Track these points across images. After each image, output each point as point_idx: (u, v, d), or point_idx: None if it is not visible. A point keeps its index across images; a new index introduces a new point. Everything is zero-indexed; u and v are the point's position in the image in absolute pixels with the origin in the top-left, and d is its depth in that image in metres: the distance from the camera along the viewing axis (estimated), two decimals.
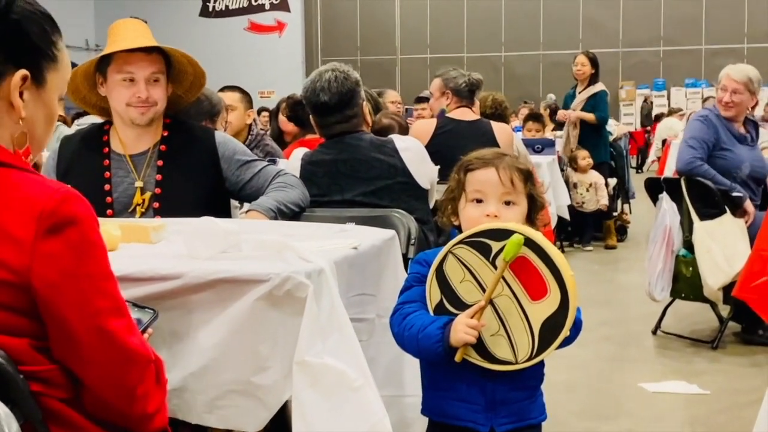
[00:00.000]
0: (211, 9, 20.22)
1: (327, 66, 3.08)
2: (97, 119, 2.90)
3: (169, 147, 2.71)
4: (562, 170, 7.31)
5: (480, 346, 1.81)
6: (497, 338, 1.81)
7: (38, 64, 1.40)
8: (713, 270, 4.28)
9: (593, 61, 7.68)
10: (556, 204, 6.47)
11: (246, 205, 2.79)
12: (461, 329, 1.78)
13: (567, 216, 6.97)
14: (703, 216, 4.39)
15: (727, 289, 4.20)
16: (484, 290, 1.81)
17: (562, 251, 7.49)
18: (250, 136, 4.40)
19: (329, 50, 19.43)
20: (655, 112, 18.01)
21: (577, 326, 1.83)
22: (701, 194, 4.42)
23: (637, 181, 8.47)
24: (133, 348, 1.37)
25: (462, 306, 1.83)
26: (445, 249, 1.84)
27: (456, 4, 19.33)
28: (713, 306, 4.54)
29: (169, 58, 2.71)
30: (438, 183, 3.23)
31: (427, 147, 3.38)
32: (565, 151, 7.72)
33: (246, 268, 1.74)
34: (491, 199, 1.90)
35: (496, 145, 4.34)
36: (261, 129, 4.72)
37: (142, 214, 2.65)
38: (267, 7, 20.10)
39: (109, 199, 2.67)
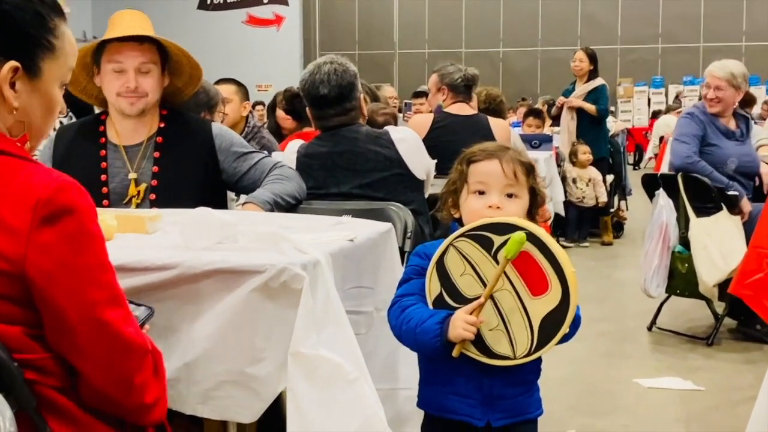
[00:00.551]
0: (209, 2, 20.18)
1: (324, 58, 3.07)
2: None
3: (166, 138, 2.70)
4: (559, 166, 7.31)
5: (478, 341, 1.81)
6: (496, 333, 1.80)
7: (31, 54, 1.37)
8: (709, 266, 4.29)
9: (591, 57, 7.68)
10: (553, 200, 6.47)
11: (242, 197, 2.78)
12: (460, 325, 1.78)
13: (562, 212, 6.97)
14: (700, 212, 4.40)
15: (722, 285, 4.21)
16: (484, 284, 1.80)
17: None
18: (246, 128, 4.39)
19: (327, 44, 19.39)
20: (652, 109, 18.02)
21: (576, 323, 1.82)
22: (698, 191, 4.43)
23: (634, 178, 8.49)
24: (129, 338, 1.37)
25: (461, 299, 1.82)
26: (446, 241, 1.84)
27: (454, 0, 19.32)
28: (709, 302, 4.55)
29: (165, 49, 2.69)
30: (435, 177, 3.23)
31: (424, 141, 3.37)
32: (563, 142, 7.68)
33: (242, 259, 1.74)
34: (494, 190, 1.89)
35: (493, 139, 4.34)
36: (258, 122, 4.71)
37: (138, 206, 2.64)
38: (265, 0, 20.06)
39: (105, 189, 2.66)
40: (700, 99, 6.22)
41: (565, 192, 7.33)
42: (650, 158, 14.88)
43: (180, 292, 1.74)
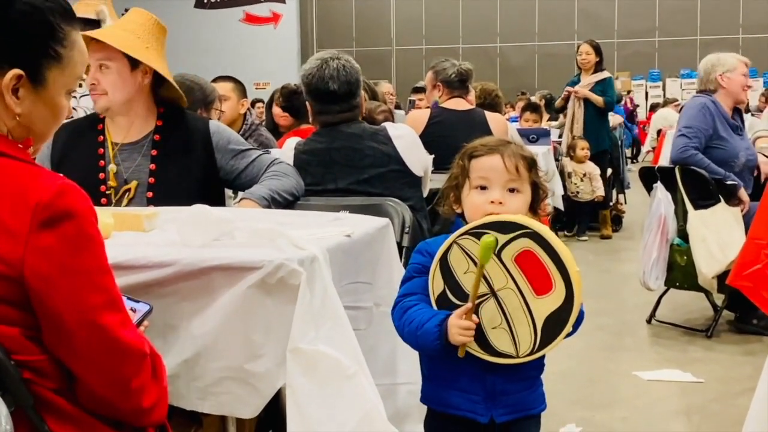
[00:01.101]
0: (206, 0, 20.17)
1: (327, 53, 3.05)
2: None
3: (163, 136, 2.70)
4: (557, 160, 7.31)
5: (482, 339, 1.80)
6: (499, 331, 1.80)
7: (36, 63, 1.37)
8: (708, 259, 4.29)
9: (597, 50, 7.70)
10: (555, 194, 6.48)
11: (240, 194, 2.78)
12: (455, 332, 1.78)
13: (561, 206, 6.98)
14: (698, 205, 4.40)
15: (721, 277, 4.21)
16: (488, 282, 1.80)
17: None
18: (244, 126, 4.39)
19: (324, 41, 19.39)
20: (649, 102, 18.02)
21: (579, 319, 1.82)
22: (695, 183, 4.43)
23: (631, 172, 8.50)
24: (127, 342, 1.36)
25: (465, 297, 1.82)
26: (450, 239, 1.83)
27: None
28: (708, 295, 4.55)
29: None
30: (433, 172, 3.23)
31: (421, 137, 3.37)
32: (569, 134, 7.67)
33: (239, 255, 1.73)
34: (496, 185, 1.88)
35: (491, 134, 4.34)
36: (255, 119, 4.71)
37: (131, 201, 2.63)
38: None
39: (103, 187, 2.66)
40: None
41: (563, 186, 7.34)
42: (648, 151, 14.87)
43: (178, 290, 1.74)
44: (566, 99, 7.78)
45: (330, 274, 1.78)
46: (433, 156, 3.28)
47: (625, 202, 8.74)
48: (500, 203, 1.87)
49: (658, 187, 4.53)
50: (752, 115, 7.07)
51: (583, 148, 7.51)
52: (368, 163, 2.95)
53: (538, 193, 1.94)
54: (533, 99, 10.56)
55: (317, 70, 2.99)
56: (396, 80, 19.45)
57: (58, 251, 1.28)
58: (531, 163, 1.93)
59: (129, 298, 1.57)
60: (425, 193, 3.15)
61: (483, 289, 1.80)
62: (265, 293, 1.71)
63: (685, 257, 4.42)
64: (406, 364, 2.17)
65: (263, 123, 5.09)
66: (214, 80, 4.36)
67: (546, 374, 2.02)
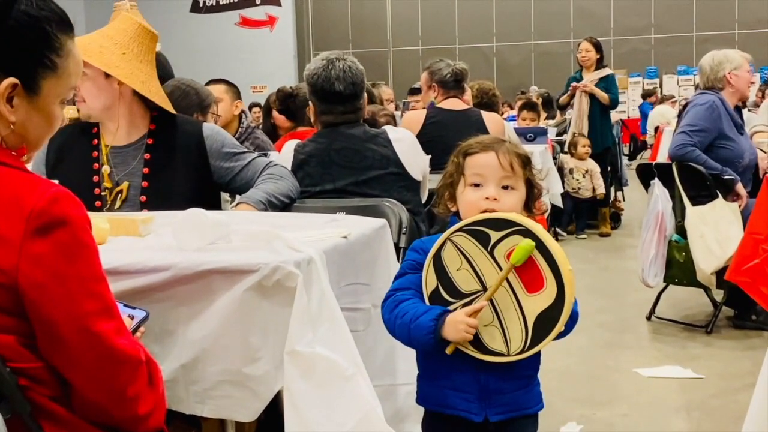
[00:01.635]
0: (201, 4, 20.16)
1: (331, 54, 3.05)
2: None
3: (156, 140, 2.70)
4: (554, 158, 7.31)
5: (473, 337, 1.80)
6: (491, 329, 1.80)
7: (32, 72, 1.37)
8: (706, 255, 4.29)
9: (597, 47, 7.71)
10: (550, 192, 6.49)
11: (236, 199, 2.78)
12: (463, 328, 1.77)
13: (560, 204, 6.98)
14: (695, 201, 4.40)
15: (720, 273, 4.21)
16: (480, 279, 1.80)
17: (557, 239, 7.52)
18: (240, 129, 4.39)
19: (321, 44, 19.37)
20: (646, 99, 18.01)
21: (573, 318, 1.82)
22: (693, 179, 4.43)
23: (629, 169, 8.50)
24: (121, 349, 1.35)
25: (457, 294, 1.82)
26: (444, 236, 1.84)
27: None
28: (707, 291, 4.55)
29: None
30: (429, 173, 3.23)
31: (417, 137, 3.37)
32: (576, 127, 7.66)
33: (235, 258, 1.73)
34: (490, 182, 1.89)
35: (487, 134, 4.33)
36: (252, 123, 4.71)
37: (123, 203, 2.63)
38: (258, 1, 20.04)
39: (97, 190, 2.66)
40: (697, 88, 6.19)
41: (562, 183, 7.34)
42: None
43: (174, 294, 1.74)
44: (572, 96, 7.76)
45: (327, 276, 1.78)
46: (429, 156, 3.28)
47: (624, 200, 8.74)
48: (495, 200, 1.87)
49: (656, 183, 4.53)
50: (749, 110, 7.06)
51: (584, 146, 7.51)
52: (367, 165, 2.95)
53: (532, 190, 1.94)
54: (532, 97, 10.56)
55: (323, 71, 2.99)
56: (393, 81, 19.44)
57: (52, 259, 1.28)
58: (525, 161, 1.94)
59: (125, 305, 1.57)
60: (424, 198, 3.15)
61: (476, 286, 1.80)
62: (261, 296, 1.70)
63: (684, 253, 4.42)
64: (405, 364, 2.17)
65: (259, 126, 5.08)
66: (208, 83, 4.36)
67: (546, 372, 2.02)
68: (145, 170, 2.66)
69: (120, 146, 2.70)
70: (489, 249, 1.79)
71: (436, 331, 1.79)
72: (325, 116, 3.04)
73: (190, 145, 2.70)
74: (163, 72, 5.05)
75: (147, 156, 2.67)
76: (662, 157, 7.71)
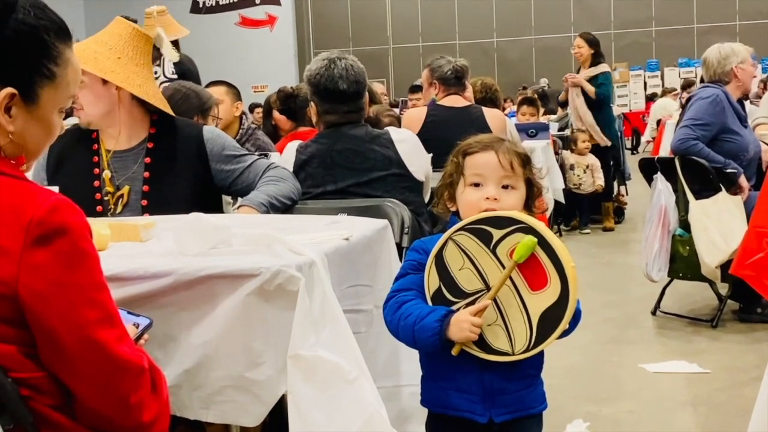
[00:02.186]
0: (201, 5, 20.18)
1: (331, 53, 3.04)
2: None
3: (156, 144, 2.69)
4: (557, 153, 7.30)
5: (478, 337, 1.80)
6: (495, 329, 1.79)
7: (30, 82, 1.36)
8: (710, 248, 4.28)
9: (591, 42, 7.65)
10: (552, 188, 6.47)
11: (238, 201, 2.77)
12: (467, 327, 1.76)
13: (562, 199, 6.98)
14: (699, 195, 4.39)
15: (724, 266, 4.19)
16: (483, 278, 1.79)
17: (560, 235, 7.52)
18: (241, 130, 4.38)
19: (321, 42, 19.38)
20: (648, 92, 18.00)
21: (576, 317, 1.81)
22: (696, 173, 4.41)
23: (632, 162, 8.47)
24: (124, 357, 1.34)
25: (461, 294, 1.81)
26: (445, 235, 1.83)
27: None
28: (712, 284, 4.54)
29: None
30: (431, 171, 3.22)
31: (418, 135, 3.37)
32: (577, 123, 7.64)
33: (236, 263, 1.72)
34: (490, 182, 1.88)
35: (488, 130, 4.33)
36: (253, 123, 4.70)
37: (125, 207, 2.62)
38: (257, 1, 20.06)
39: (98, 195, 2.65)
40: (703, 81, 6.16)
41: (564, 179, 7.33)
42: (648, 141, 14.86)
43: (176, 299, 1.73)
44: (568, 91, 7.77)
45: (329, 278, 1.78)
46: (431, 155, 3.27)
47: (627, 194, 8.73)
48: (495, 200, 1.87)
49: (659, 178, 4.52)
50: (751, 102, 7.04)
51: (584, 141, 7.50)
52: (369, 166, 2.94)
53: (532, 189, 1.93)
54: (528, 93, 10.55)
55: (325, 70, 2.98)
56: (393, 79, 19.45)
57: (52, 268, 1.27)
58: (525, 160, 1.93)
59: (129, 312, 1.56)
60: (426, 198, 3.14)
61: (479, 285, 1.80)
62: (263, 300, 1.70)
63: (688, 247, 4.41)
64: (408, 365, 2.16)
65: (260, 127, 5.08)
66: (207, 85, 4.36)
67: (551, 369, 2.01)
68: (146, 174, 2.65)
69: (120, 151, 2.70)
70: (491, 247, 1.78)
71: (441, 332, 1.78)
72: (329, 116, 3.03)
73: (190, 149, 2.70)
74: (190, 74, 5.13)
75: (147, 160, 2.67)
76: (664, 150, 7.70)
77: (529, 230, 1.75)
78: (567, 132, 8.07)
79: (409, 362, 2.15)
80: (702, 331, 4.40)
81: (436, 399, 1.92)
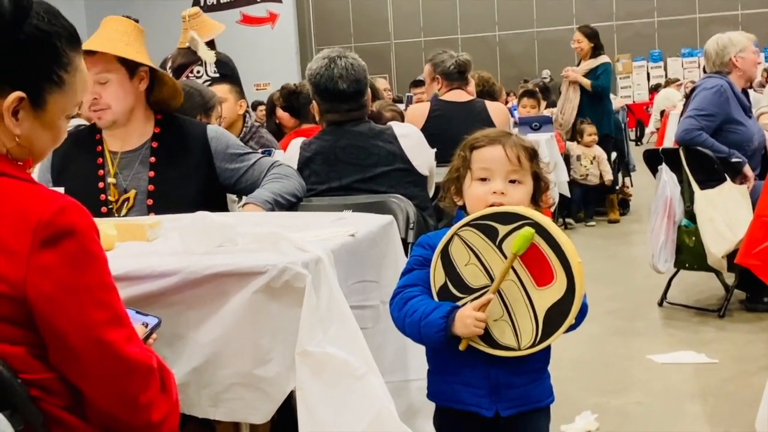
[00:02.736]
0: (202, 3, 20.15)
1: (332, 52, 3.04)
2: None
3: (161, 143, 2.70)
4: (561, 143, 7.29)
5: (483, 332, 1.80)
6: (501, 324, 1.80)
7: (39, 87, 1.37)
8: (716, 238, 4.27)
9: (589, 36, 7.64)
10: (557, 181, 6.46)
11: (243, 199, 2.78)
12: (471, 323, 1.77)
13: (567, 193, 6.96)
14: (704, 185, 4.38)
15: (731, 256, 4.19)
16: (489, 274, 1.79)
17: (565, 228, 7.50)
18: (245, 128, 4.38)
19: (323, 39, 19.37)
20: (651, 83, 17.95)
21: (583, 311, 1.81)
22: (700, 163, 4.40)
23: (636, 154, 8.46)
24: (133, 357, 1.35)
25: (466, 289, 1.81)
26: (451, 231, 1.83)
27: None
28: (718, 274, 4.54)
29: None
30: (436, 166, 3.22)
31: (422, 130, 3.36)
32: (555, 122, 7.63)
33: (243, 261, 1.73)
34: (498, 176, 1.88)
35: (491, 124, 4.33)
36: (256, 121, 4.70)
37: (130, 210, 2.63)
38: None
39: (103, 196, 2.66)
40: (706, 71, 6.14)
41: (569, 170, 7.32)
42: (652, 132, 14.82)
43: (183, 298, 1.73)
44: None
45: (335, 275, 1.78)
46: (435, 150, 3.27)
47: (632, 185, 8.71)
48: (502, 194, 1.86)
49: (663, 169, 4.51)
50: (755, 90, 7.02)
51: (590, 134, 7.48)
52: (373, 162, 2.94)
53: (539, 184, 1.93)
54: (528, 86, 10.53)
55: (325, 70, 2.98)
56: (396, 74, 19.43)
57: (60, 269, 1.28)
58: (532, 154, 1.93)
59: (137, 312, 1.56)
60: (431, 193, 3.14)
61: (485, 280, 1.80)
62: (270, 298, 1.70)
63: (694, 238, 4.40)
64: (416, 360, 2.16)
65: (264, 125, 5.08)
66: (210, 84, 4.36)
67: (559, 361, 2.01)
68: (151, 174, 2.66)
69: (126, 151, 2.70)
70: (497, 243, 1.78)
71: (446, 329, 1.78)
72: (330, 115, 3.04)
73: (195, 148, 2.70)
74: (231, 73, 5.23)
75: (152, 160, 2.68)
76: (669, 141, 7.68)
77: (535, 226, 1.75)
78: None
79: (416, 357, 2.15)
80: (709, 321, 4.39)
81: (442, 393, 1.93)
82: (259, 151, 3.43)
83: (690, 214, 4.43)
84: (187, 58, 5.15)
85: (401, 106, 6.68)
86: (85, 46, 2.53)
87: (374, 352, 1.80)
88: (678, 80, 15.70)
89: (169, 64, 5.19)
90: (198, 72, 5.18)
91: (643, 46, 18.68)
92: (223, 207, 2.82)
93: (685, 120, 4.52)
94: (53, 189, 1.38)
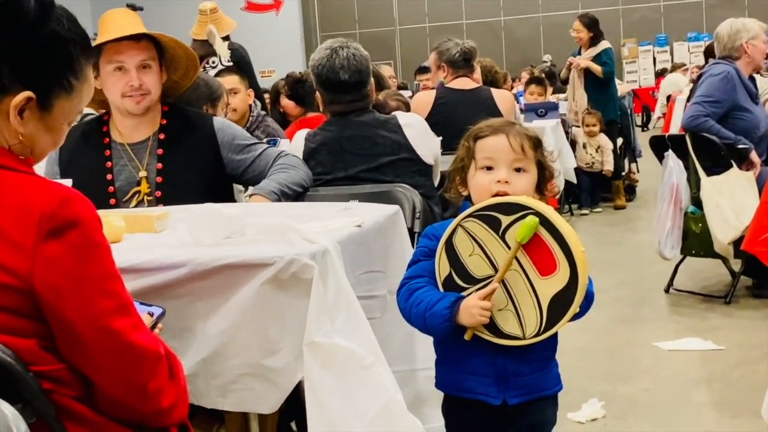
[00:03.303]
0: None
1: (335, 42, 3.03)
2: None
3: (168, 135, 2.71)
4: (566, 132, 7.27)
5: (489, 321, 1.80)
6: (505, 313, 1.80)
7: (49, 90, 1.38)
8: (722, 225, 4.27)
9: (588, 25, 7.61)
10: (563, 167, 6.44)
11: (250, 189, 2.79)
12: (477, 312, 1.77)
13: (574, 179, 6.95)
14: (710, 171, 4.37)
15: (737, 243, 4.18)
16: (493, 264, 1.80)
17: (571, 215, 7.47)
18: (251, 118, 4.38)
19: (327, 25, 19.32)
20: (658, 67, 17.88)
21: (589, 299, 1.81)
22: (707, 150, 4.39)
23: (642, 140, 8.44)
24: (141, 345, 1.36)
25: (471, 280, 1.82)
26: (454, 222, 1.83)
27: None
28: (724, 261, 4.53)
29: (160, 44, 2.69)
30: (441, 154, 3.22)
31: (427, 119, 3.37)
32: (570, 112, 7.65)
33: (250, 252, 1.74)
34: (502, 165, 1.88)
35: (497, 111, 4.32)
36: (262, 110, 4.70)
37: (140, 203, 2.65)
38: None
39: (111, 188, 2.67)
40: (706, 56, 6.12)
41: (575, 157, 7.30)
42: (659, 117, 14.77)
43: (192, 290, 1.75)
44: (570, 69, 7.73)
45: (342, 266, 1.79)
46: (440, 138, 3.27)
47: (638, 171, 8.69)
48: (506, 183, 1.87)
49: (670, 155, 4.50)
50: (762, 75, 6.98)
51: (594, 124, 7.45)
52: (379, 152, 2.95)
53: (544, 173, 1.93)
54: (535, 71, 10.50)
55: (327, 60, 2.98)
56: (401, 60, 19.39)
57: (65, 260, 1.29)
58: (536, 143, 1.93)
59: (142, 303, 1.57)
60: (436, 182, 3.14)
61: (489, 271, 1.80)
62: (278, 289, 1.71)
63: (700, 224, 4.40)
64: (423, 349, 2.17)
65: (269, 113, 5.08)
66: (218, 74, 4.36)
67: (565, 349, 2.01)
68: (159, 165, 2.67)
69: (133, 143, 2.71)
70: (500, 234, 1.79)
71: (451, 319, 1.79)
72: (333, 105, 3.04)
73: (201, 139, 2.71)
74: (244, 61, 5.43)
75: (160, 151, 2.69)
76: (675, 127, 7.66)
77: (537, 216, 1.76)
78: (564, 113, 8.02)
79: (423, 346, 2.16)
80: (715, 307, 4.39)
81: (450, 382, 1.94)
82: (265, 140, 3.44)
83: (696, 201, 4.43)
84: (204, 50, 5.45)
85: (407, 93, 6.67)
86: (130, 31, 2.59)
87: (382, 341, 1.81)
88: (684, 65, 15.62)
89: None
90: (213, 62, 5.50)
91: (649, 31, 18.60)
92: (229, 197, 2.83)
93: (692, 106, 4.51)
94: (57, 181, 1.39)
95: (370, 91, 3.06)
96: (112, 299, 1.34)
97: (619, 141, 8.01)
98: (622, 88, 9.58)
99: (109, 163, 2.70)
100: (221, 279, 1.74)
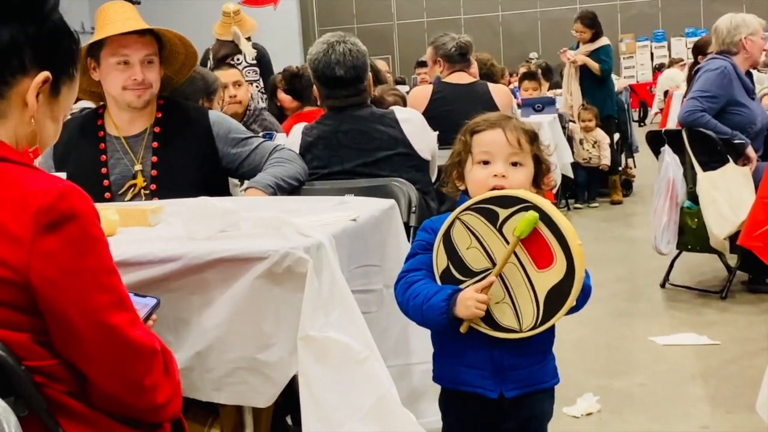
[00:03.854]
0: None
1: (332, 36, 3.03)
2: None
3: (164, 128, 2.71)
4: (564, 127, 7.27)
5: (485, 314, 1.81)
6: (502, 306, 1.81)
7: (60, 75, 1.41)
8: (719, 220, 4.27)
9: (588, 24, 7.61)
10: (560, 163, 6.44)
11: (245, 183, 2.79)
12: (472, 305, 1.78)
13: (571, 174, 6.95)
14: (706, 167, 4.37)
15: (733, 238, 4.19)
16: (490, 257, 1.80)
17: (568, 209, 7.47)
18: (248, 111, 4.38)
19: (325, 20, 19.28)
20: (655, 63, 17.87)
21: (585, 292, 1.82)
22: (703, 145, 4.39)
23: (639, 135, 8.44)
24: (137, 341, 1.36)
25: (469, 273, 1.82)
26: (452, 215, 1.84)
27: None
28: (720, 256, 4.54)
29: (161, 39, 2.69)
30: (438, 148, 3.22)
31: (424, 113, 3.36)
32: (566, 107, 7.64)
33: (245, 246, 1.73)
34: (498, 159, 1.89)
35: (494, 106, 4.32)
36: (259, 104, 4.70)
37: (136, 195, 2.64)
38: None
39: (106, 182, 2.67)
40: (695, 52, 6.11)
41: (573, 152, 7.30)
42: (656, 113, 14.77)
43: (186, 284, 1.74)
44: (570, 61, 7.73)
45: (337, 260, 1.79)
46: (437, 132, 3.27)
47: (635, 166, 8.69)
48: (503, 176, 1.87)
49: (666, 150, 4.50)
50: (759, 70, 6.99)
51: (591, 120, 7.45)
52: (375, 146, 2.94)
53: (540, 166, 1.94)
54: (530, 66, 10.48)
55: (323, 55, 2.97)
56: (399, 55, 19.37)
57: (62, 254, 1.28)
58: (533, 137, 1.94)
59: (136, 294, 1.57)
60: (433, 177, 3.14)
61: (486, 264, 1.80)
62: (272, 283, 1.71)
63: (696, 219, 4.40)
64: (420, 343, 2.18)
65: (266, 107, 5.07)
66: (216, 68, 4.35)
67: (561, 343, 2.02)
68: (154, 159, 2.67)
69: (128, 136, 2.71)
70: (497, 227, 1.79)
71: (448, 311, 1.80)
72: (330, 100, 3.04)
73: (197, 133, 2.71)
74: (265, 60, 5.80)
75: (155, 144, 2.68)
76: (672, 122, 7.66)
77: (535, 209, 1.76)
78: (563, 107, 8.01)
79: (420, 340, 2.17)
80: (711, 302, 4.40)
81: (447, 375, 1.94)
82: (261, 134, 3.44)
83: (693, 196, 4.43)
84: (229, 50, 5.97)
85: (405, 88, 6.66)
86: (136, 26, 2.61)
87: (379, 335, 1.82)
88: (681, 60, 15.61)
89: (211, 54, 5.99)
90: (237, 59, 5.97)
91: (647, 26, 18.59)
92: (225, 191, 2.83)
93: (688, 101, 4.51)
94: (53, 174, 1.38)
95: (366, 87, 3.06)
96: (110, 294, 1.34)
97: (616, 136, 8.01)
98: (619, 83, 9.58)
99: (104, 157, 2.69)
100: (216, 273, 1.73)
